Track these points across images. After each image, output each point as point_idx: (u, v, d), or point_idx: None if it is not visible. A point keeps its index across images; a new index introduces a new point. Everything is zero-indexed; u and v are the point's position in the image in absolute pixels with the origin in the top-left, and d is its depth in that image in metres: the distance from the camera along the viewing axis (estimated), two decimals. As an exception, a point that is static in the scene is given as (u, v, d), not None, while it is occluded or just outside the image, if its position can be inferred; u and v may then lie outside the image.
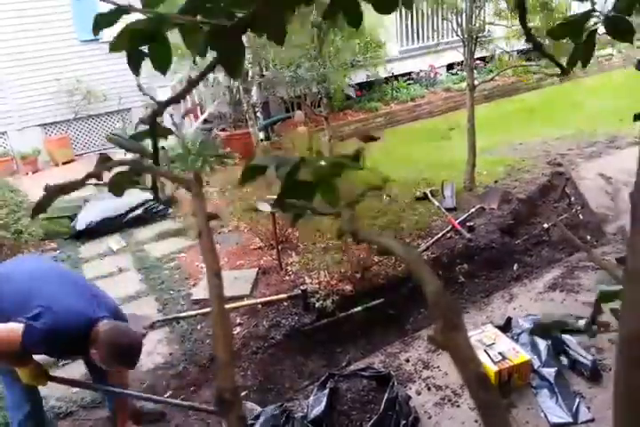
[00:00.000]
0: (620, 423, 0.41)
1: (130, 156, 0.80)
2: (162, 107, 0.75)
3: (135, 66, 0.76)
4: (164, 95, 8.00)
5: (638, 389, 0.41)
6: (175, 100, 0.81)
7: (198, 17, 0.73)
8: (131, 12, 0.70)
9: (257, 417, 2.73)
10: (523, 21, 1.01)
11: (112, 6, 0.70)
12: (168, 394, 3.28)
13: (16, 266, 2.63)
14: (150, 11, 0.69)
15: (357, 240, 0.58)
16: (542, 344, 3.19)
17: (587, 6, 0.92)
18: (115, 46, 0.72)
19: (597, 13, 0.87)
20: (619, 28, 0.86)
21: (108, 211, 5.58)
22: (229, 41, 0.67)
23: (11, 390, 2.61)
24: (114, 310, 2.51)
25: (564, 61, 1.06)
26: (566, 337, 3.18)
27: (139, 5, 0.76)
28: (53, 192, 0.68)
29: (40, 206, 0.70)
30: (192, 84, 0.78)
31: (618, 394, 0.43)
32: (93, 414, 3.09)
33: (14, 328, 2.19)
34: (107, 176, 0.74)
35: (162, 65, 0.76)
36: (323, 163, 0.62)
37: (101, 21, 0.71)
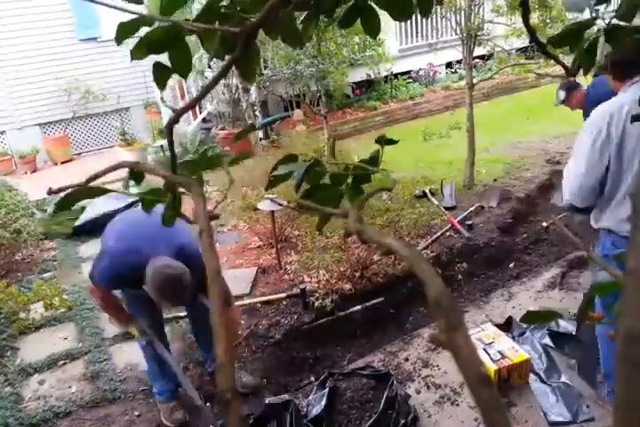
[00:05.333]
0: (620, 424, 0.41)
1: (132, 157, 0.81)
2: (177, 115, 0.76)
3: (161, 80, 0.77)
4: (159, 94, 7.98)
5: (638, 389, 0.41)
6: (190, 106, 0.82)
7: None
8: (150, 21, 0.70)
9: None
10: (526, 21, 1.01)
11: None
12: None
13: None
14: (167, 19, 0.69)
15: (362, 240, 0.59)
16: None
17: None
18: (135, 54, 0.72)
19: (599, 22, 0.87)
20: (618, 38, 0.86)
21: (108, 207, 5.57)
22: (242, 45, 0.68)
23: (134, 306, 2.94)
24: (175, 250, 2.61)
25: (564, 59, 1.06)
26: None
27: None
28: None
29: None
30: (207, 89, 0.77)
31: (618, 394, 0.43)
32: (92, 414, 3.09)
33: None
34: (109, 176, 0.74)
35: (182, 69, 0.77)
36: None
37: (123, 30, 0.71)
